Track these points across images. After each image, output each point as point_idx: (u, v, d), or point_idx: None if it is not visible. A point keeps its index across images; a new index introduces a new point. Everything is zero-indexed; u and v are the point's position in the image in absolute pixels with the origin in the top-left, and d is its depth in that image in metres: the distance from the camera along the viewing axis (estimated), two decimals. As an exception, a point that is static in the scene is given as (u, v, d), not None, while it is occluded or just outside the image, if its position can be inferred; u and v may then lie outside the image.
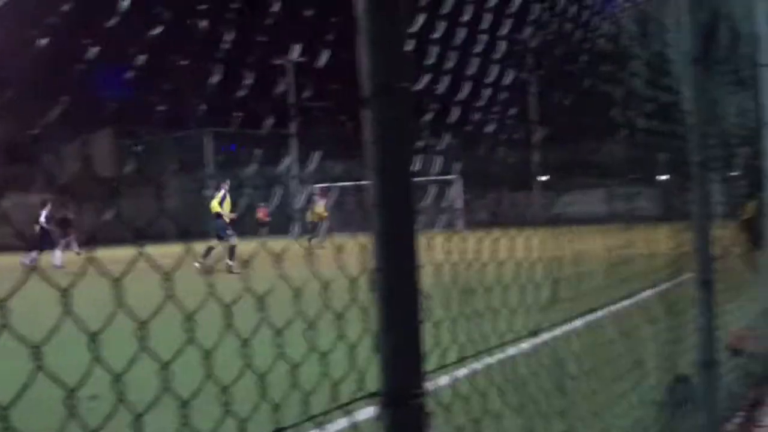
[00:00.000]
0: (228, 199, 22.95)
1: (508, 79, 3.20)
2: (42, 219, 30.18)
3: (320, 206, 31.25)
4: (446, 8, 2.75)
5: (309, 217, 31.28)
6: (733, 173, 8.23)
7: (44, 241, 29.23)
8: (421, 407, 2.25)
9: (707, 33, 6.22)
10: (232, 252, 21.74)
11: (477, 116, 3.02)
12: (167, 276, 1.67)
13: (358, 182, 2.65)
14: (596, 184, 4.75)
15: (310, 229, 28.99)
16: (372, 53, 2.26)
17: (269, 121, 2.08)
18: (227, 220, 22.58)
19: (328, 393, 2.18)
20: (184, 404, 1.79)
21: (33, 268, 1.57)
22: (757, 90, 8.86)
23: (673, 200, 5.95)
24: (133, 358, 1.59)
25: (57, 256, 28.91)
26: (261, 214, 39.02)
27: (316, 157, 2.30)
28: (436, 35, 2.74)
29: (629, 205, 5.11)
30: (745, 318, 7.85)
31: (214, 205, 22.82)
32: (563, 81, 3.82)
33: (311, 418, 2.10)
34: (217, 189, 23.12)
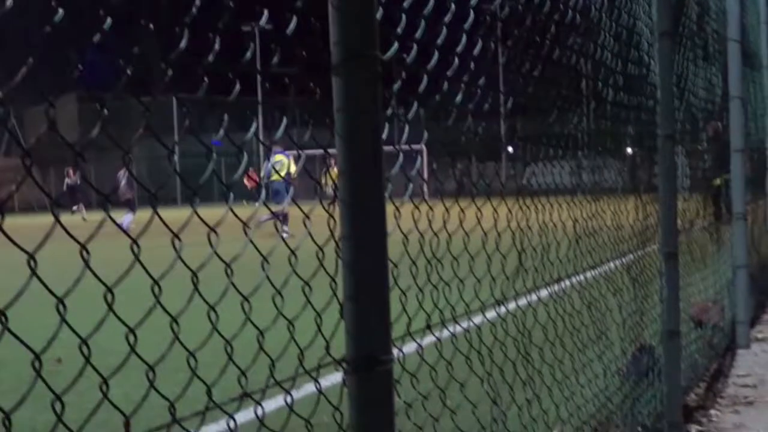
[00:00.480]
0: (289, 163, 21.91)
1: (477, 48, 3.20)
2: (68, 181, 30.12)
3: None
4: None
5: (329, 182, 30.77)
6: (699, 147, 8.29)
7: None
8: (388, 374, 2.26)
9: (676, 7, 6.24)
10: (286, 218, 21.01)
11: (445, 86, 3.01)
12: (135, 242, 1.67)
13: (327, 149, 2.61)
14: (564, 156, 4.77)
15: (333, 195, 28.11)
16: (341, 20, 2.25)
17: (237, 88, 2.07)
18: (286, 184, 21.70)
19: (296, 359, 2.19)
20: (151, 368, 1.80)
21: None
22: (725, 64, 8.92)
23: (640, 173, 5.99)
24: (101, 321, 1.59)
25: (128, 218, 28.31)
26: (250, 178, 38.88)
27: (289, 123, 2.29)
28: (406, 3, 2.73)
29: (597, 177, 5.14)
30: (709, 290, 7.93)
31: (283, 167, 21.90)
32: (532, 52, 3.82)
33: (278, 383, 2.11)
34: (271, 154, 22.30)
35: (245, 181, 38.71)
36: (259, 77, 2.15)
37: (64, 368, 2.33)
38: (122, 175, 27.48)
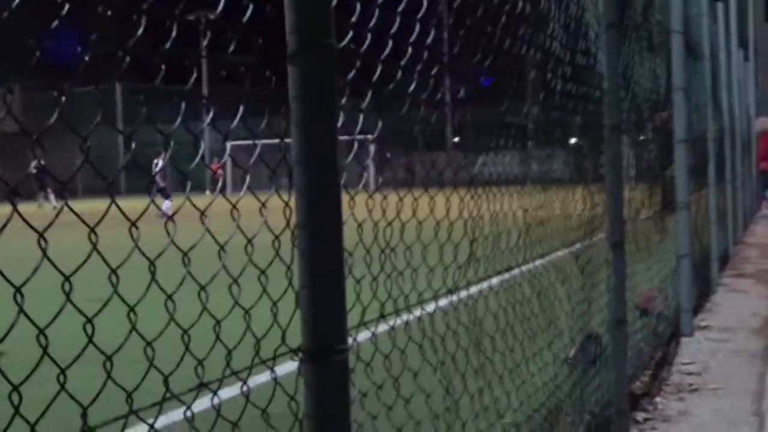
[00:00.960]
0: None
1: (428, 38, 3.21)
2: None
3: None
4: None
5: None
6: (645, 137, 8.37)
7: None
8: (344, 363, 2.26)
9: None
10: None
11: (393, 74, 3.01)
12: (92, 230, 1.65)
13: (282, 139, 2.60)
14: (512, 146, 4.79)
15: None
16: (297, 8, 2.24)
17: (191, 77, 2.06)
18: None
19: (253, 348, 2.18)
20: (108, 359, 1.78)
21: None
22: (669, 56, 9.02)
23: (587, 163, 6.04)
24: (57, 312, 1.58)
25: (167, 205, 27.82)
26: (214, 168, 38.55)
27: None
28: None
29: (545, 167, 5.17)
30: (654, 279, 8.02)
31: None
32: (482, 40, 3.83)
33: (234, 373, 2.10)
34: None
35: (213, 172, 38.50)
36: (204, 66, 2.13)
37: (16, 361, 2.30)
38: (157, 165, 27.24)
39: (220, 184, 2.66)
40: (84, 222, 1.66)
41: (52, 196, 36.71)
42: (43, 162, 33.02)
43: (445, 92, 3.45)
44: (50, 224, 1.56)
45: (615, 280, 5.65)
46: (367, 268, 2.71)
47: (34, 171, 30.96)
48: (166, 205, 27.06)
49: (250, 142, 2.42)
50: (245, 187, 2.30)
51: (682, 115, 8.97)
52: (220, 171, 37.65)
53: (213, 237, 2.02)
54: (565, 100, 5.32)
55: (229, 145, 2.28)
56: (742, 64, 21.26)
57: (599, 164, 5.89)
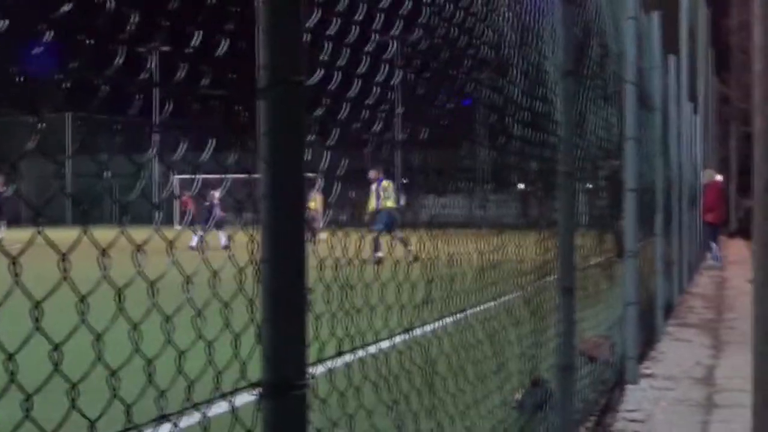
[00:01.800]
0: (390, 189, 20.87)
1: (394, 79, 3.24)
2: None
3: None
4: (342, 6, 2.78)
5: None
6: (596, 185, 8.47)
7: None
8: (302, 399, 2.27)
9: (580, 47, 6.39)
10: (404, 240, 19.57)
11: (352, 114, 3.03)
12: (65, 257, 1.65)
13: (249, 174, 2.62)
14: (465, 189, 4.84)
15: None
16: (270, 44, 2.27)
17: (167, 108, 2.07)
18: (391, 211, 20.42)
19: (213, 381, 2.19)
20: (73, 387, 1.78)
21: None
22: (621, 105, 9.15)
23: (541, 208, 6.10)
24: (26, 339, 1.57)
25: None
26: (186, 201, 37.99)
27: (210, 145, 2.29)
28: (330, 32, 2.76)
29: (500, 211, 5.22)
30: (601, 326, 8.08)
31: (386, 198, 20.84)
32: (446, 84, 3.88)
33: (195, 405, 2.10)
34: (377, 181, 21.23)
35: (182, 204, 38.14)
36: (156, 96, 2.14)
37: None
38: (214, 196, 26.68)
39: (188, 217, 2.65)
40: (56, 249, 1.66)
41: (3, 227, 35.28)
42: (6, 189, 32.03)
43: (396, 134, 3.48)
44: (22, 251, 1.57)
45: (564, 325, 5.69)
46: (326, 305, 2.72)
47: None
48: (223, 238, 25.98)
49: (219, 176, 2.44)
50: (212, 220, 2.31)
51: (632, 164, 9.08)
52: (190, 205, 37.22)
53: (179, 269, 2.02)
54: (522, 144, 5.38)
55: (199, 178, 2.29)
56: (691, 116, 21.60)
57: (552, 209, 5.95)
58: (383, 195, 21.22)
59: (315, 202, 30.00)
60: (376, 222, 20.51)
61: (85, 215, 1.61)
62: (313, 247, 2.76)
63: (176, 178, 31.33)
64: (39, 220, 1.62)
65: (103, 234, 1.79)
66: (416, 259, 3.46)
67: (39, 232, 1.65)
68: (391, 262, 3.23)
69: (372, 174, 22.44)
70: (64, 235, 1.74)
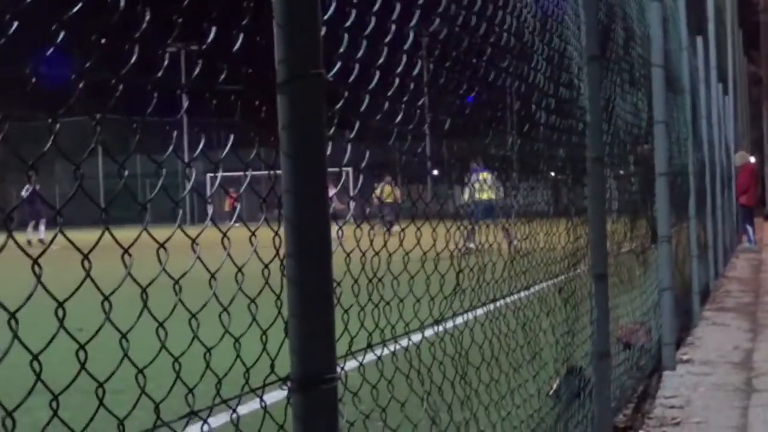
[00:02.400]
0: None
1: (415, 69, 3.23)
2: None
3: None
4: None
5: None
6: (626, 170, 8.41)
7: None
8: (332, 392, 2.26)
9: (604, 32, 6.35)
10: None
11: (379, 106, 3.02)
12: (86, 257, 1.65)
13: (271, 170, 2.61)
14: (499, 178, 4.83)
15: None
16: (286, 38, 2.26)
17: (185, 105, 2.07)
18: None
19: (245, 377, 2.18)
20: (101, 385, 1.78)
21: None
22: (649, 89, 9.08)
23: (571, 195, 6.06)
24: (52, 337, 1.57)
25: None
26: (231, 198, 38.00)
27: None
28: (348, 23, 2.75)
29: (530, 199, 5.19)
30: (636, 312, 8.03)
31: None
32: (467, 73, 3.86)
33: (223, 401, 2.10)
34: (474, 172, 21.19)
35: (227, 202, 38.28)
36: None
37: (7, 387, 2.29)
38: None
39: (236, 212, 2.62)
40: (78, 249, 1.66)
41: (42, 227, 35.11)
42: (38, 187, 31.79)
43: (426, 124, 3.47)
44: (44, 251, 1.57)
45: (598, 312, 5.66)
46: (355, 298, 2.71)
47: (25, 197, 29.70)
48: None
49: (240, 173, 2.44)
50: (235, 216, 2.32)
51: (662, 148, 9.01)
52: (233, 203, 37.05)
53: (204, 265, 2.02)
54: (550, 132, 5.35)
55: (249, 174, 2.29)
56: (721, 97, 21.43)
57: (582, 196, 5.91)
58: (480, 186, 21.12)
59: (389, 193, 29.80)
60: (473, 213, 20.42)
61: (142, 214, 1.61)
62: (387, 238, 2.78)
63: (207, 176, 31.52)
64: (104, 216, 1.62)
65: (157, 232, 1.79)
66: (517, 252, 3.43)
67: (106, 232, 1.65)
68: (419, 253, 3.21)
69: (473, 165, 22.33)
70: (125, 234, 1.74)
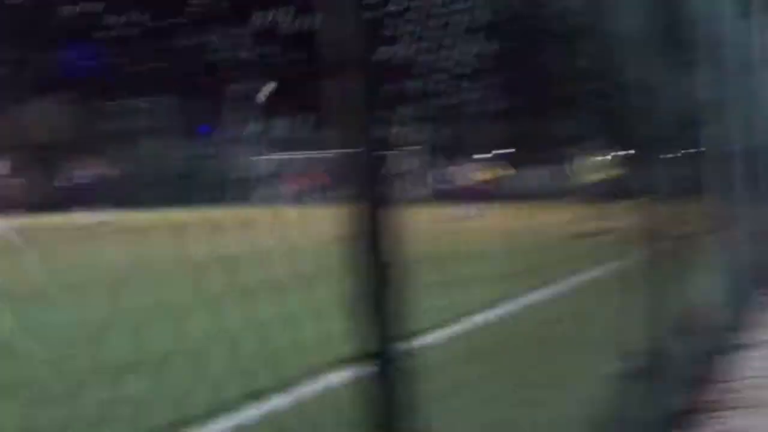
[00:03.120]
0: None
1: (468, 55, 3.23)
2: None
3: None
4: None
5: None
6: (680, 154, 8.32)
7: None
8: (404, 369, 2.27)
9: (653, 13, 6.30)
10: None
11: (439, 89, 3.03)
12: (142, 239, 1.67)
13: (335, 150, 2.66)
14: (549, 160, 4.82)
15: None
16: (333, 22, 2.27)
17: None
18: None
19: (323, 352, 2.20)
20: (158, 368, 1.81)
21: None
22: (701, 72, 8.97)
23: (628, 178, 6.01)
24: (109, 323, 1.60)
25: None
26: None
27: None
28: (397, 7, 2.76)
29: (580, 183, 5.16)
30: (696, 295, 7.95)
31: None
32: (524, 57, 3.85)
33: (296, 379, 2.13)
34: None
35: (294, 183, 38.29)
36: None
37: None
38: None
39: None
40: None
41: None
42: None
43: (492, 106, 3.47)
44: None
45: (655, 296, 5.61)
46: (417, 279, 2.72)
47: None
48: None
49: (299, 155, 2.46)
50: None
51: (723, 130, 8.91)
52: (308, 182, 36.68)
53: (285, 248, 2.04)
54: (605, 115, 5.32)
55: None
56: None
57: (639, 180, 5.86)
58: (587, 169, 20.89)
59: (488, 175, 29.32)
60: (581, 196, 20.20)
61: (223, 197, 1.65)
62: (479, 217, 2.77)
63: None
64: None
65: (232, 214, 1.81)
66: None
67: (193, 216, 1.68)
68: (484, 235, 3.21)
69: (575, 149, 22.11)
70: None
